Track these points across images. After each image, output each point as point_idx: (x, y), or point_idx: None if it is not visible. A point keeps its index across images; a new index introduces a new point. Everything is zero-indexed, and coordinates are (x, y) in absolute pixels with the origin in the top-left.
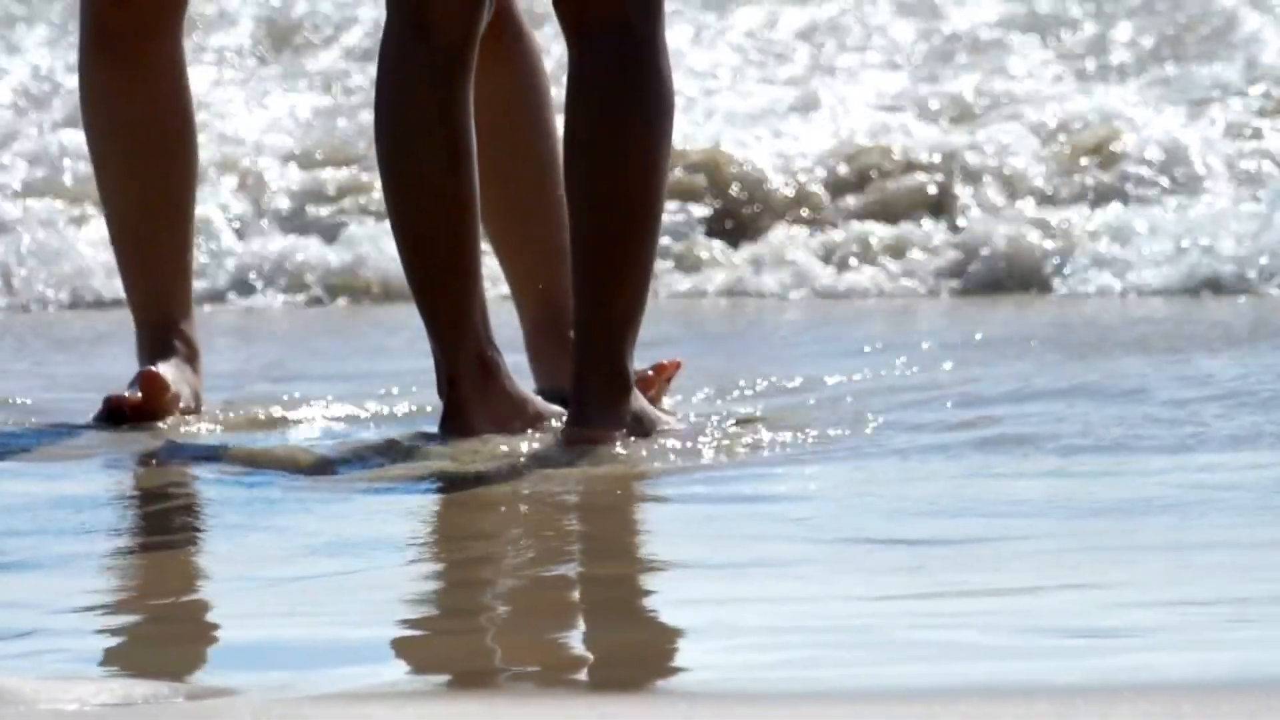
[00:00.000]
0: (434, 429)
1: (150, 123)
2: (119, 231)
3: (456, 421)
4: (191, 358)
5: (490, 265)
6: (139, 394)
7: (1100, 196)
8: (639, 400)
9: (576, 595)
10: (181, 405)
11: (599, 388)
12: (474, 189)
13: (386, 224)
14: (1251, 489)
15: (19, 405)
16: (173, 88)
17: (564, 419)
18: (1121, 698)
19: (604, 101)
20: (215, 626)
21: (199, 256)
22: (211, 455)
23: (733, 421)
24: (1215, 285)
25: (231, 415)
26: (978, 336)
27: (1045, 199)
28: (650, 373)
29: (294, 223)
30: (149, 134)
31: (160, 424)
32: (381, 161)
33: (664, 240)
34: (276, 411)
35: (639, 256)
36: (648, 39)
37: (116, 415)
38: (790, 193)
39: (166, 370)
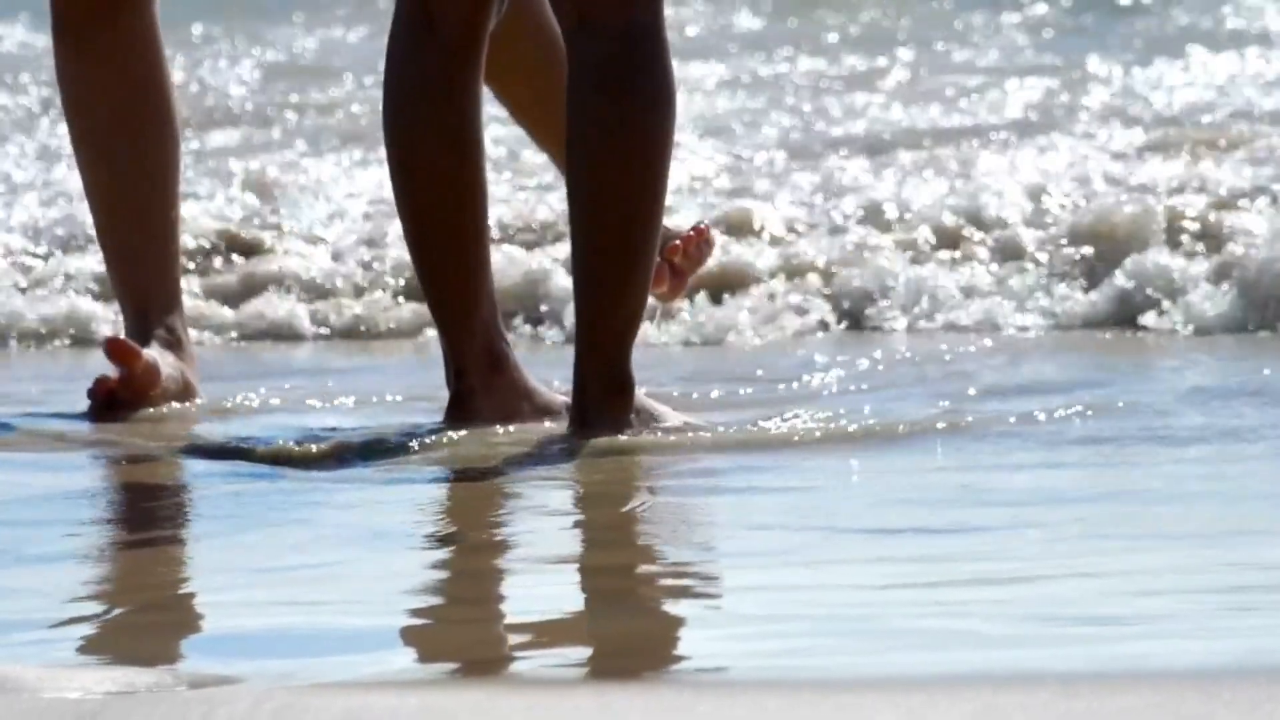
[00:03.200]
0: (439, 420)
1: (117, 108)
2: (96, 220)
3: (463, 412)
4: (175, 346)
5: (496, 259)
6: (116, 372)
7: None
8: (640, 398)
9: (578, 584)
10: (164, 387)
11: (602, 391)
12: (482, 181)
13: None
14: (1254, 479)
15: (13, 397)
16: (141, 69)
17: (569, 412)
18: (1124, 686)
19: (607, 97)
20: (218, 616)
21: None
22: (215, 446)
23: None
24: None
25: (230, 405)
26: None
27: None
28: (690, 233)
29: None
30: (116, 120)
31: (151, 409)
32: (390, 154)
33: None
34: (275, 403)
35: (642, 256)
36: (650, 32)
37: (104, 402)
38: None
39: (146, 352)
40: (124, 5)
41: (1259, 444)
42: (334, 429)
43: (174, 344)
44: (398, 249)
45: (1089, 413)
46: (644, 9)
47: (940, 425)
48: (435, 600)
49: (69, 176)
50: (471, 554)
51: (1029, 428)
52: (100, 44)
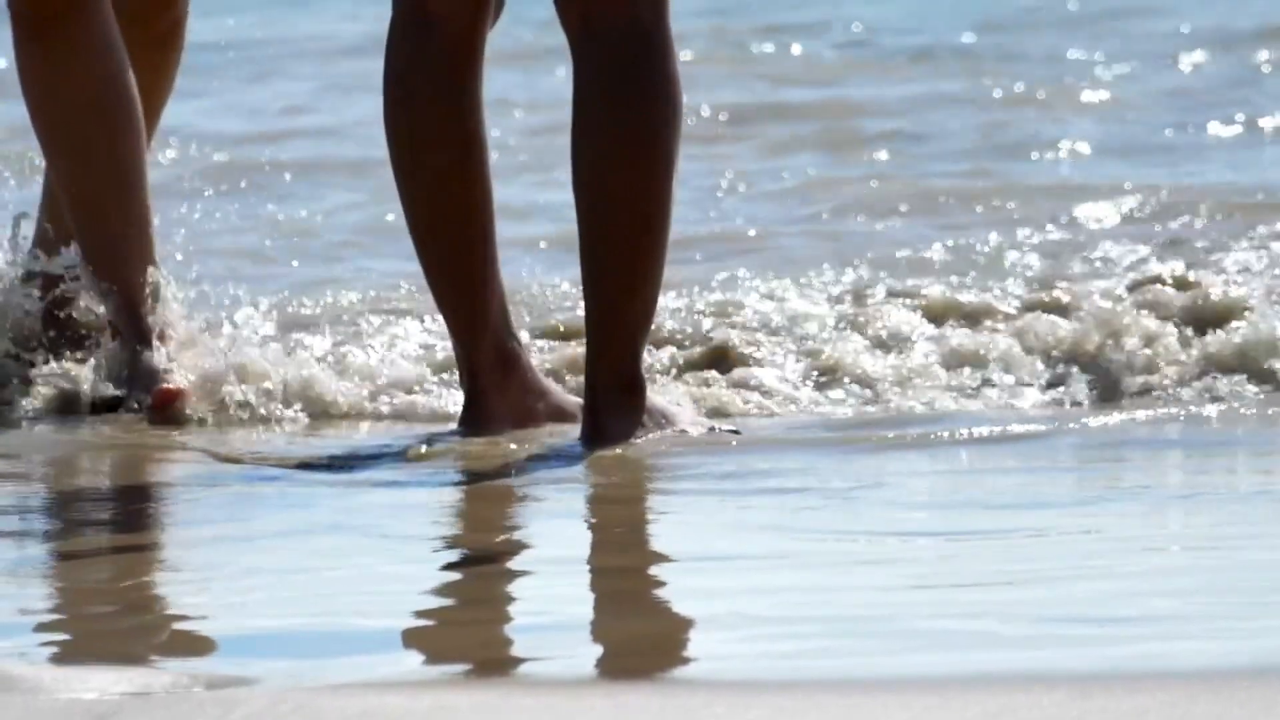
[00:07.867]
0: (452, 422)
1: (87, 105)
2: (74, 218)
3: (477, 412)
4: (162, 336)
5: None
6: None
7: None
8: (652, 398)
9: (590, 586)
10: (173, 384)
11: (613, 395)
12: (487, 182)
13: None
14: (1269, 480)
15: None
16: (106, 65)
17: (582, 413)
18: (1138, 686)
19: (615, 101)
20: (232, 617)
21: None
22: (227, 449)
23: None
24: None
25: (239, 412)
26: None
27: None
28: None
29: None
30: (87, 116)
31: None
32: (393, 159)
33: None
34: (292, 405)
35: (653, 259)
36: (656, 35)
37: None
38: None
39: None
40: (82, 4)
41: (1271, 445)
42: (347, 432)
43: (161, 336)
44: None
45: (1101, 418)
46: (648, 10)
47: (951, 427)
48: (448, 601)
49: None
50: (483, 556)
51: (1039, 429)
52: (66, 43)
